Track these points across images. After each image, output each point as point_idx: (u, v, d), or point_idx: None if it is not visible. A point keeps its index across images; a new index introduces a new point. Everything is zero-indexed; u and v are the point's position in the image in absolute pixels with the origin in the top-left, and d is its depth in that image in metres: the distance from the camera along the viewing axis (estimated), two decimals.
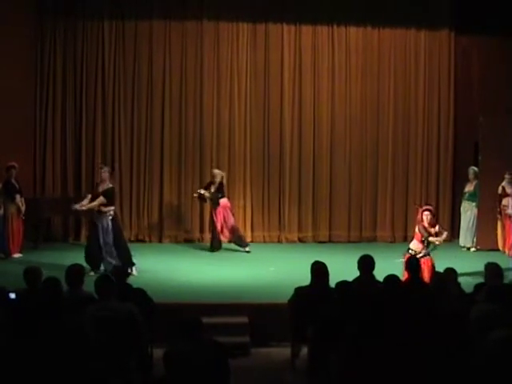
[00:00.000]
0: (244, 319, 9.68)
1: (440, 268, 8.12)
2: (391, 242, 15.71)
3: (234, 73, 15.71)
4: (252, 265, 12.84)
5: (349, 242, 15.71)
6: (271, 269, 12.49)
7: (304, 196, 15.92)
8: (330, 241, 15.84)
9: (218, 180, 14.23)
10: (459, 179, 15.73)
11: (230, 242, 14.42)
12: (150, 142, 15.53)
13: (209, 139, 15.64)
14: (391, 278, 7.67)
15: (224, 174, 14.47)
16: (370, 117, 16.06)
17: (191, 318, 6.18)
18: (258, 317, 9.66)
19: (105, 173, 12.13)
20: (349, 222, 15.99)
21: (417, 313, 6.65)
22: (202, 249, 14.62)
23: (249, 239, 15.17)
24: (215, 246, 14.35)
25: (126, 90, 15.47)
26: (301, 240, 15.88)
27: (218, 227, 14.22)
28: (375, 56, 16.04)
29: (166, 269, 11.89)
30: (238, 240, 14.42)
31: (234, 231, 14.34)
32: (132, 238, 15.31)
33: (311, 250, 14.05)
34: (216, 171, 14.49)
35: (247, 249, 14.33)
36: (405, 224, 15.82)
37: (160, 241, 15.45)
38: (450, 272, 7.93)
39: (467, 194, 14.98)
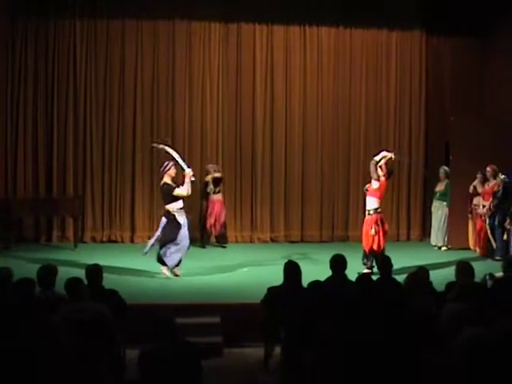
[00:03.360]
0: (216, 319, 9.64)
1: (412, 267, 8.15)
2: None
3: (206, 72, 15.68)
4: (224, 265, 12.80)
5: (321, 241, 15.75)
6: (244, 269, 12.47)
7: (276, 196, 15.93)
8: (302, 240, 15.85)
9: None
10: (430, 179, 15.80)
11: (215, 236, 14.92)
12: (121, 141, 15.45)
13: (180, 139, 15.59)
14: (363, 278, 7.69)
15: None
16: (341, 116, 16.11)
17: (164, 319, 6.15)
18: (231, 317, 9.62)
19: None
20: (321, 221, 16.02)
21: (389, 312, 6.67)
22: None
23: None
24: (206, 242, 14.80)
25: (97, 89, 15.37)
26: (273, 240, 15.89)
27: (212, 221, 14.61)
28: (347, 56, 16.09)
29: (138, 269, 11.81)
30: (222, 237, 14.87)
31: (223, 228, 14.84)
32: (104, 239, 15.30)
33: (283, 250, 14.07)
34: (208, 166, 15.00)
35: (225, 245, 14.84)
36: None
37: (132, 241, 15.38)
38: (422, 271, 7.95)
39: (438, 194, 15.06)
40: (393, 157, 12.35)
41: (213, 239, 15.02)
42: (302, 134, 16.02)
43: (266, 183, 15.89)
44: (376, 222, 11.85)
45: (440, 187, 15.02)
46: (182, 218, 11.53)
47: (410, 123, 16.34)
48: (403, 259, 11.60)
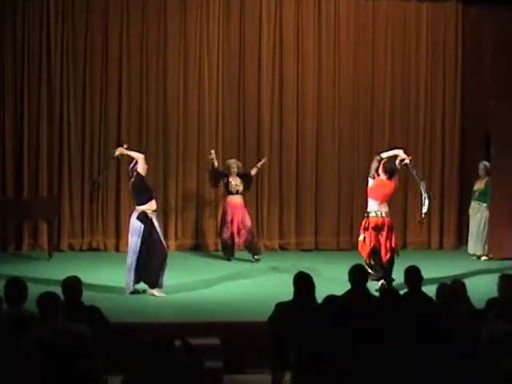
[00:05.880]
0: (215, 341, 9.65)
1: (446, 279, 8.14)
2: None
3: (203, 51, 15.68)
4: (225, 277, 12.79)
5: (338, 249, 15.76)
6: (246, 282, 12.47)
7: (286, 197, 15.95)
8: (317, 248, 15.90)
9: (235, 170, 14.40)
10: (468, 176, 15.79)
11: (244, 246, 14.54)
12: (104, 132, 15.42)
13: (174, 132, 15.60)
14: (389, 292, 7.67)
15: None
16: (362, 103, 16.11)
17: (154, 340, 6.13)
18: (232, 338, 9.64)
19: None
20: (338, 226, 16.01)
21: (419, 332, 6.66)
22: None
23: None
24: (230, 253, 14.58)
25: (76, 73, 15.33)
26: (282, 248, 15.91)
27: (234, 229, 14.36)
28: (369, 31, 16.11)
29: (124, 282, 11.81)
30: (252, 246, 14.55)
31: (249, 235, 14.49)
32: (84, 247, 15.31)
33: (294, 259, 14.13)
34: (230, 161, 14.64)
35: (258, 257, 14.46)
36: (403, 228, 15.87)
37: (117, 249, 15.38)
38: (458, 284, 7.93)
39: (477, 193, 15.02)
40: (407, 162, 11.95)
41: (237, 249, 14.79)
42: (317, 124, 16.02)
43: (274, 182, 15.88)
44: (365, 228, 11.77)
45: (479, 185, 14.98)
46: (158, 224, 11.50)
47: (444, 110, 16.31)
48: (435, 270, 11.62)
